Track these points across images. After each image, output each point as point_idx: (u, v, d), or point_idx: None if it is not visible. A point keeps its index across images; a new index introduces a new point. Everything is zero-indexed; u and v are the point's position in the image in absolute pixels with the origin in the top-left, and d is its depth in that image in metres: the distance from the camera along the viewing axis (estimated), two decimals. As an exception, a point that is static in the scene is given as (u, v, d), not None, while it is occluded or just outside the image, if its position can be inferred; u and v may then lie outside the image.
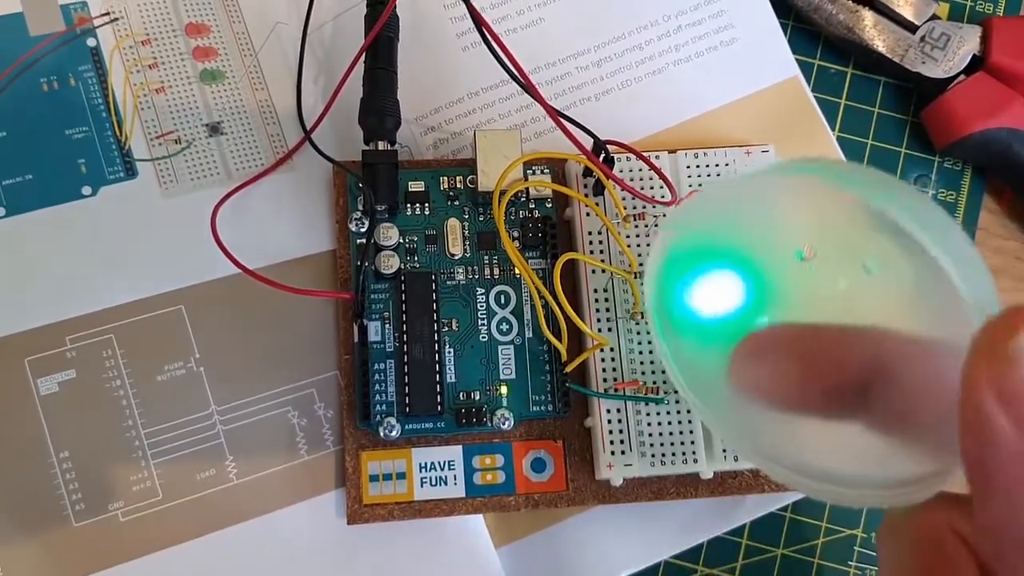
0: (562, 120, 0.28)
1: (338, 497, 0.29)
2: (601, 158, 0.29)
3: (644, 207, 0.30)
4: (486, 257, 0.31)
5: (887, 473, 0.19)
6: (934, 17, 0.34)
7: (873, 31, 0.34)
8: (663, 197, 0.30)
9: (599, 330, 0.29)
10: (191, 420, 0.29)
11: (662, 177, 0.29)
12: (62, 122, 0.31)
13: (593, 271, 0.30)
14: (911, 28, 0.34)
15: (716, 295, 0.24)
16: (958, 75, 0.34)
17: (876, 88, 0.36)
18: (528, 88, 0.28)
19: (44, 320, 0.29)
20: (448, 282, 0.30)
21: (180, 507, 0.29)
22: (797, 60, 0.35)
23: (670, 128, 0.33)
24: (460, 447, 0.29)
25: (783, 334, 0.23)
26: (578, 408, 0.30)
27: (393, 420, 0.29)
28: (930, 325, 0.19)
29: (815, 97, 0.34)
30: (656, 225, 0.30)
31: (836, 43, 0.35)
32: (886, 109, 0.35)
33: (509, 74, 0.28)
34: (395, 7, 0.30)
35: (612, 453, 0.29)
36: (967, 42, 0.34)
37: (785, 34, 0.35)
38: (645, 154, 0.30)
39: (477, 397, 0.29)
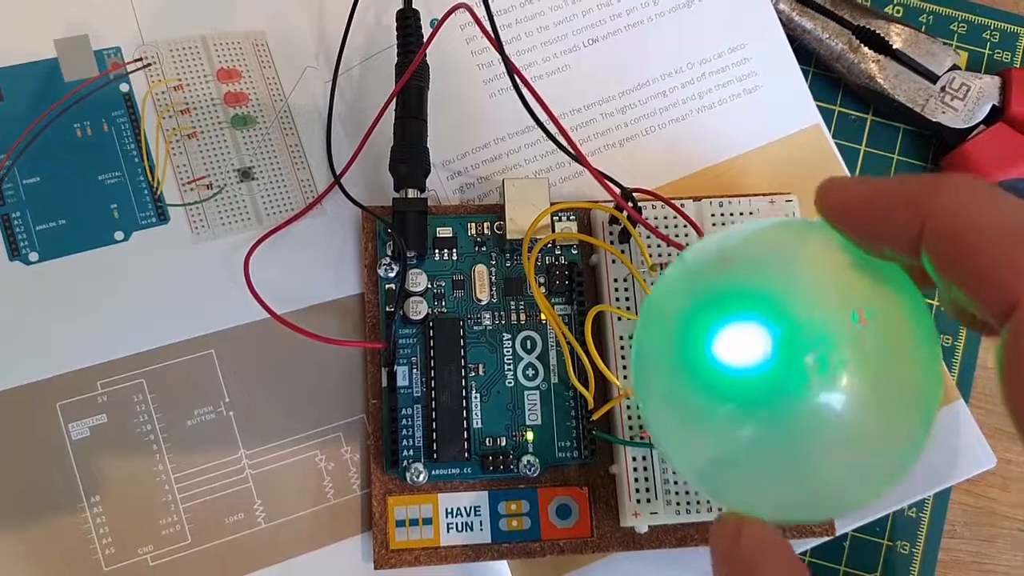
0: (594, 170, 0.28)
1: (364, 541, 0.30)
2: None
3: (670, 255, 0.31)
4: (512, 303, 0.31)
5: None
6: (954, 67, 0.34)
7: (894, 80, 0.34)
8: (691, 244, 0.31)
9: (625, 377, 0.30)
10: (220, 464, 0.29)
11: (693, 226, 0.29)
12: (95, 167, 0.31)
13: (619, 318, 0.30)
14: (932, 78, 0.34)
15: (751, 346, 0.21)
16: (978, 125, 0.34)
17: (896, 135, 0.36)
18: (568, 146, 0.28)
19: (76, 365, 0.29)
20: (475, 327, 0.31)
21: (209, 551, 0.29)
22: (818, 106, 0.35)
23: (693, 174, 0.34)
24: (486, 493, 0.30)
25: None
26: (603, 455, 0.30)
27: (420, 466, 0.29)
28: None
29: (836, 143, 0.35)
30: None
31: (857, 91, 0.35)
32: (906, 156, 0.36)
33: (546, 133, 0.28)
34: (425, 56, 0.31)
35: (638, 501, 0.29)
36: (987, 93, 0.34)
37: (807, 80, 0.35)
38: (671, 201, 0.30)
39: (503, 443, 0.30)
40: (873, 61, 0.34)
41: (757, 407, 0.21)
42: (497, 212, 0.31)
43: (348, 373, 0.31)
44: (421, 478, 0.29)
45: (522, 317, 0.31)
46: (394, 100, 0.31)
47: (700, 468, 0.22)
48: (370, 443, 0.30)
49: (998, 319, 0.17)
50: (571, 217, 0.32)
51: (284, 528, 0.29)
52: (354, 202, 0.31)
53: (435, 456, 0.29)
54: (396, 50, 0.31)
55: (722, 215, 0.31)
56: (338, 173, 0.32)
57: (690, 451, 0.23)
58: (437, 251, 0.31)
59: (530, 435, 0.30)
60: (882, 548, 0.33)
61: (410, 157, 0.30)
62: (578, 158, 0.29)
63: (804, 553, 0.32)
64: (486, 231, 0.31)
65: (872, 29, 0.34)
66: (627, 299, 0.31)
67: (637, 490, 0.29)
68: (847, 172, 0.34)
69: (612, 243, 0.31)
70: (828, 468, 0.21)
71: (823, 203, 0.21)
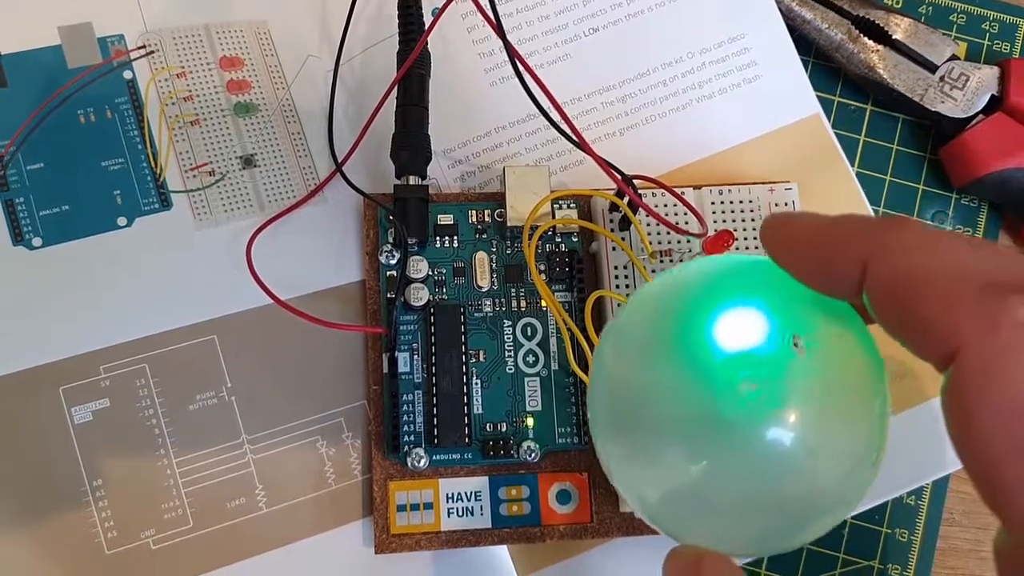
0: (596, 155, 0.29)
1: (365, 526, 0.30)
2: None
3: (670, 243, 0.31)
4: (513, 290, 0.31)
5: None
6: (953, 57, 0.34)
7: (893, 70, 0.34)
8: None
9: (625, 364, 0.30)
10: (222, 449, 0.30)
11: (694, 212, 0.29)
12: (99, 154, 0.31)
13: (619, 305, 0.30)
14: (931, 68, 0.34)
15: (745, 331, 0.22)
16: (976, 115, 0.34)
17: (895, 125, 0.36)
18: (571, 133, 0.28)
19: (79, 349, 0.30)
20: (476, 314, 0.31)
21: (210, 535, 0.29)
22: (817, 96, 0.35)
23: (692, 163, 0.34)
24: (486, 478, 0.30)
25: None
26: (603, 441, 0.30)
27: (421, 451, 0.29)
28: None
29: (835, 133, 0.35)
30: (681, 259, 0.31)
31: (856, 81, 0.36)
32: (904, 146, 0.36)
33: (548, 119, 0.28)
34: (427, 44, 0.31)
35: (637, 486, 0.29)
36: (986, 83, 0.34)
37: (806, 70, 0.36)
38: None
39: (504, 429, 0.30)
40: (873, 51, 0.35)
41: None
42: (498, 200, 0.32)
43: (349, 359, 0.31)
44: (422, 463, 0.29)
45: (522, 304, 0.31)
46: (395, 88, 0.31)
47: (654, 500, 0.22)
48: (371, 428, 0.30)
49: (938, 364, 0.17)
50: (571, 205, 0.32)
51: (285, 513, 0.29)
52: (356, 189, 0.31)
53: (436, 441, 0.29)
54: (397, 38, 0.32)
55: (722, 203, 0.32)
56: (340, 161, 0.32)
57: (647, 478, 0.23)
58: (438, 238, 0.31)
59: (530, 421, 0.30)
60: (881, 535, 0.33)
61: (411, 144, 0.30)
62: (580, 144, 0.29)
63: (803, 540, 0.32)
64: (487, 218, 0.32)
65: (871, 19, 0.35)
66: (627, 286, 0.31)
67: (637, 475, 0.29)
68: (846, 161, 0.34)
69: (612, 230, 0.31)
70: (775, 485, 0.21)
71: (767, 240, 0.21)
